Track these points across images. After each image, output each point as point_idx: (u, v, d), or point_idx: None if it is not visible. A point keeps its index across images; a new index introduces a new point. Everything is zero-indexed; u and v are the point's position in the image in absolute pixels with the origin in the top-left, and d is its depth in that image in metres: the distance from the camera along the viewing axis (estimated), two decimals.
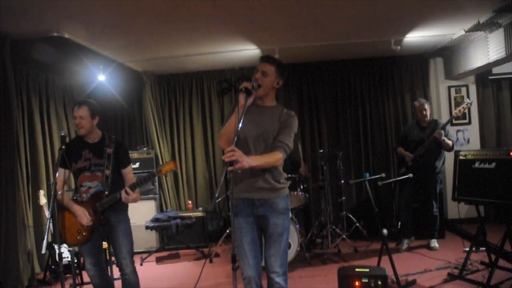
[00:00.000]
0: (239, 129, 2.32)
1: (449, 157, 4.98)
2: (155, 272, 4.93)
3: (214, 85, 6.40)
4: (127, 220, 3.22)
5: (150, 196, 5.86)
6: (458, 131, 6.16)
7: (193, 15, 3.94)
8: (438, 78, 6.26)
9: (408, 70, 6.24)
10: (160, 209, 6.06)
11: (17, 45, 4.13)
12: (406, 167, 4.93)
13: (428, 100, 5.59)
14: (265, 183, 2.54)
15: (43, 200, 4.18)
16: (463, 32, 4.87)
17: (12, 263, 4.10)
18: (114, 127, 6.51)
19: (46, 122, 5.14)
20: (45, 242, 2.98)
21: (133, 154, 5.82)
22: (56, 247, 4.12)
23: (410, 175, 4.42)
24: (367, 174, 4.96)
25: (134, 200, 3.05)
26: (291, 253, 4.34)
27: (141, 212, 5.58)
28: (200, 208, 5.94)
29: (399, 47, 5.22)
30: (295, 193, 4.84)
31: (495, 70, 5.95)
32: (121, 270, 3.15)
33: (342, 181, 5.39)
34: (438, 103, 6.23)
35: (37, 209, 4.67)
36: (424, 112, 4.93)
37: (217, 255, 5.36)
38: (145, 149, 6.02)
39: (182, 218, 5.47)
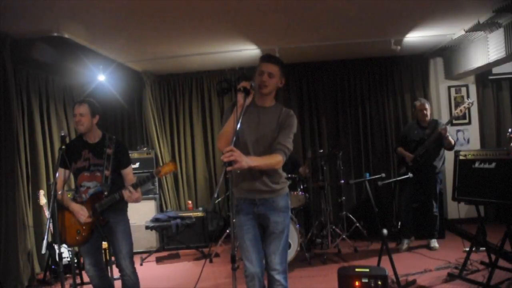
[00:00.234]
0: (237, 129, 2.32)
1: (449, 157, 4.98)
2: (155, 272, 4.93)
3: (214, 85, 6.40)
4: (126, 220, 3.22)
5: (150, 196, 5.86)
6: (458, 131, 6.16)
7: (193, 15, 3.94)
8: (438, 78, 6.26)
9: (408, 70, 6.24)
10: (160, 209, 6.06)
11: (17, 45, 4.13)
12: (406, 167, 4.93)
13: (428, 100, 5.59)
14: (263, 186, 2.55)
15: (43, 200, 4.19)
16: (463, 32, 4.87)
17: (12, 263, 4.10)
18: (114, 127, 6.51)
19: (46, 122, 5.14)
20: (45, 242, 2.97)
21: (133, 154, 5.82)
22: (56, 247, 4.12)
23: (410, 175, 4.42)
24: (367, 174, 4.95)
25: (137, 200, 3.04)
26: (291, 253, 4.34)
27: (141, 212, 5.58)
28: (200, 208, 5.94)
29: (399, 47, 5.22)
30: (295, 193, 4.84)
31: (495, 70, 5.95)
32: (121, 270, 3.15)
33: (342, 181, 5.39)
34: (438, 103, 6.23)
35: (37, 209, 4.67)
36: (424, 112, 4.93)
37: (217, 255, 5.36)
38: (145, 149, 6.03)
39: (182, 218, 5.47)
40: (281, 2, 3.75)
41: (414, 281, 3.84)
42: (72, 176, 3.21)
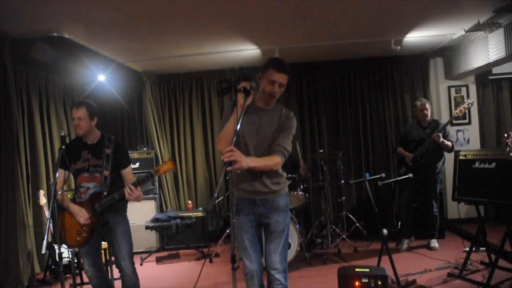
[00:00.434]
0: (237, 129, 2.33)
1: (449, 157, 4.97)
2: (155, 272, 4.93)
3: (214, 85, 6.40)
4: (126, 221, 3.22)
5: (150, 196, 5.86)
6: (458, 131, 6.16)
7: (193, 15, 3.94)
8: (438, 78, 6.26)
9: (408, 70, 6.24)
10: (160, 209, 6.06)
11: (17, 45, 4.13)
12: (406, 167, 4.93)
13: (428, 100, 5.59)
14: (263, 187, 2.56)
15: (43, 200, 4.19)
16: (463, 32, 4.87)
17: (12, 263, 4.10)
18: (114, 127, 6.51)
19: (46, 122, 5.14)
20: (45, 242, 2.97)
21: (133, 154, 5.82)
22: (56, 247, 4.12)
23: (410, 175, 4.42)
24: (367, 174, 4.96)
25: (138, 198, 3.04)
26: (291, 253, 4.34)
27: (141, 212, 5.58)
28: (200, 208, 5.94)
29: (399, 47, 5.22)
30: (295, 193, 4.84)
31: (495, 70, 5.95)
32: (120, 270, 3.15)
33: (342, 181, 5.39)
34: (438, 103, 6.23)
35: (37, 209, 4.67)
36: (425, 111, 4.94)
37: (217, 255, 5.36)
38: (145, 149, 6.03)
39: (182, 218, 5.47)
40: (281, 2, 3.75)
41: (414, 281, 3.84)
42: (71, 176, 3.21)
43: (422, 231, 5.16)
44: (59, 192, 3.00)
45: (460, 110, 4.61)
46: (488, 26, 4.56)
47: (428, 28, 4.83)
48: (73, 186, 3.54)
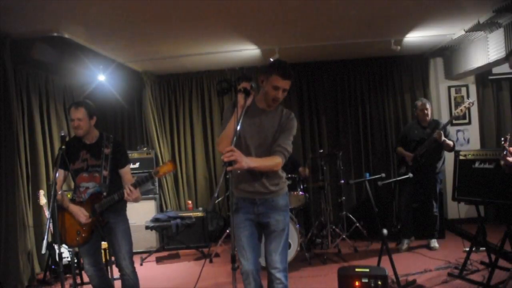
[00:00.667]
0: (238, 129, 2.33)
1: (449, 157, 4.98)
2: (155, 272, 4.93)
3: (214, 85, 6.40)
4: (125, 221, 3.21)
5: (150, 196, 5.86)
6: (458, 131, 6.16)
7: (193, 15, 3.94)
8: (438, 78, 6.26)
9: (408, 70, 6.24)
10: (160, 209, 6.06)
11: (17, 45, 4.13)
12: (406, 167, 4.93)
13: (428, 100, 5.59)
14: (263, 188, 2.57)
15: (43, 200, 4.18)
16: (463, 32, 4.87)
17: (12, 263, 4.10)
18: (114, 127, 6.51)
19: (46, 122, 5.14)
20: (45, 242, 2.97)
21: (133, 154, 5.82)
22: (56, 247, 4.12)
23: (410, 175, 4.42)
24: (367, 174, 4.95)
25: (136, 199, 3.03)
26: (291, 253, 4.34)
27: (141, 212, 5.58)
28: (200, 208, 5.94)
29: (399, 47, 5.22)
30: (295, 193, 4.84)
31: (495, 70, 5.95)
32: (120, 270, 3.15)
33: (342, 181, 5.39)
34: (438, 103, 6.23)
35: (37, 209, 4.66)
36: (425, 111, 4.94)
37: (217, 255, 5.36)
38: (145, 149, 6.03)
39: (182, 218, 5.47)
40: (281, 2, 3.75)
41: (414, 281, 3.84)
42: (70, 176, 3.21)
43: (422, 231, 5.16)
44: (59, 192, 3.00)
45: (461, 110, 4.61)
46: (488, 26, 4.56)
47: (428, 28, 4.83)
48: (72, 186, 3.54)
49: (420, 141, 4.90)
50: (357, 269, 3.22)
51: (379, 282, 3.12)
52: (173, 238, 5.56)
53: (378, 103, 6.26)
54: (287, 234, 2.65)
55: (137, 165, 5.75)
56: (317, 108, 6.32)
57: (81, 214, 3.05)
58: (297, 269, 4.52)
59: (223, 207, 6.27)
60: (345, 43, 5.22)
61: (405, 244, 5.03)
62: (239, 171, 2.44)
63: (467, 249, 3.97)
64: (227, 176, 2.36)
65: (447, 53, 5.96)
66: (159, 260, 5.38)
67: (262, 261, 2.67)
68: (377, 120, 6.26)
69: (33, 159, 4.86)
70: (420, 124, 5.03)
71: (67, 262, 4.33)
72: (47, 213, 4.09)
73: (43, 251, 3.02)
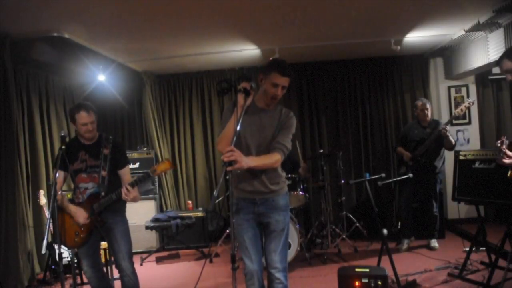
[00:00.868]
0: (238, 129, 2.33)
1: (449, 157, 4.98)
2: (155, 272, 4.93)
3: (214, 85, 6.40)
4: (125, 221, 3.21)
5: (150, 196, 5.86)
6: (458, 131, 6.16)
7: (193, 15, 3.94)
8: (438, 78, 6.26)
9: (408, 70, 6.24)
10: (160, 209, 6.06)
11: (17, 45, 4.13)
12: (406, 167, 4.93)
13: (429, 100, 5.59)
14: (263, 187, 2.57)
15: (43, 200, 4.18)
16: (463, 32, 4.87)
17: (12, 263, 4.10)
18: (114, 127, 6.51)
19: (46, 122, 5.14)
20: (45, 242, 2.97)
21: (133, 154, 5.83)
22: (56, 247, 4.12)
23: (410, 175, 4.42)
24: (367, 174, 4.95)
25: (134, 199, 3.03)
26: (291, 253, 4.34)
27: (141, 212, 5.58)
28: (200, 208, 5.94)
29: (399, 47, 5.22)
30: (295, 193, 4.84)
31: (495, 70, 5.93)
32: (120, 271, 3.15)
33: (342, 181, 5.38)
34: (438, 103, 6.23)
35: (37, 209, 4.66)
36: (425, 111, 4.94)
37: (217, 255, 5.36)
38: (145, 149, 6.03)
39: (182, 218, 5.47)
40: (281, 2, 3.75)
41: (414, 281, 3.84)
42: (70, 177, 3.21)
43: (422, 231, 5.16)
44: (59, 193, 3.00)
45: (461, 109, 4.60)
46: (488, 26, 4.56)
47: (428, 28, 4.83)
48: (72, 186, 3.54)
49: (420, 141, 4.90)
50: (357, 269, 3.22)
51: (379, 282, 3.12)
52: (173, 238, 5.56)
53: (378, 103, 6.26)
54: (287, 234, 2.66)
55: (137, 165, 5.75)
56: (317, 108, 6.32)
57: (79, 214, 3.04)
58: (297, 269, 4.52)
59: (223, 207, 6.27)
60: (345, 43, 5.22)
61: (405, 244, 5.03)
62: (239, 171, 2.44)
63: (467, 249, 3.97)
64: (227, 176, 2.36)
65: (447, 53, 5.96)
66: (159, 260, 5.38)
67: (263, 261, 2.68)
68: (377, 120, 6.26)
69: (33, 159, 4.86)
70: (420, 124, 5.03)
71: (67, 262, 4.33)
72: (47, 213, 4.09)
73: (43, 251, 3.02)
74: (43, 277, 4.57)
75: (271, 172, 2.58)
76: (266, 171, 2.56)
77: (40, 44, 4.24)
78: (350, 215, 5.51)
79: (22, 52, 4.30)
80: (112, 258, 3.30)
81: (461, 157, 3.95)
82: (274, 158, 2.49)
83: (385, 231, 3.64)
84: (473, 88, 6.20)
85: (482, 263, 4.01)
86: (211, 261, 5.11)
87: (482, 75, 6.13)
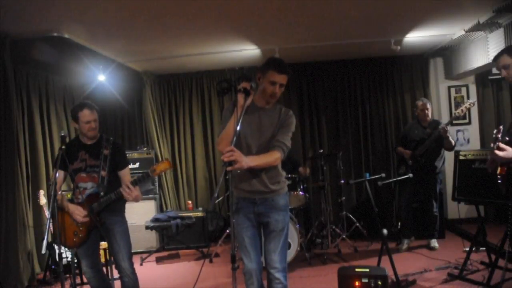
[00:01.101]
0: (238, 129, 2.34)
1: (449, 157, 4.98)
2: (155, 272, 4.93)
3: (214, 85, 6.40)
4: (124, 221, 3.21)
5: (150, 196, 5.86)
6: (458, 131, 6.16)
7: (193, 15, 3.94)
8: (438, 78, 6.26)
9: (408, 70, 6.24)
10: (160, 209, 6.06)
11: (17, 45, 4.13)
12: (406, 167, 4.93)
13: (429, 100, 5.59)
14: (263, 187, 2.57)
15: (43, 200, 4.18)
16: (463, 32, 4.87)
17: (12, 263, 4.09)
18: (114, 127, 6.51)
19: (46, 122, 5.14)
20: (45, 242, 2.97)
21: (133, 154, 5.83)
22: (56, 247, 4.12)
23: (410, 175, 4.42)
24: (367, 174, 4.95)
25: (136, 198, 3.03)
26: (291, 253, 4.34)
27: (141, 212, 5.58)
28: (200, 208, 5.94)
29: (399, 47, 5.22)
30: (295, 193, 4.84)
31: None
32: (120, 271, 3.15)
33: (342, 181, 5.38)
34: (438, 103, 6.23)
35: (37, 209, 4.66)
36: (426, 111, 4.94)
37: (217, 255, 5.36)
38: (145, 149, 6.03)
39: (182, 218, 5.47)
40: (281, 2, 3.75)
41: (414, 281, 3.84)
42: (69, 176, 3.21)
43: (422, 231, 5.16)
44: (59, 193, 3.00)
45: (462, 110, 4.60)
46: (488, 26, 4.56)
47: (428, 28, 4.83)
48: (72, 186, 3.54)
49: (420, 141, 4.90)
50: (357, 269, 3.22)
51: (379, 282, 3.12)
52: (173, 238, 5.56)
53: (378, 103, 6.26)
54: (287, 234, 2.66)
55: (137, 165, 5.76)
56: (317, 108, 6.32)
57: (78, 212, 3.04)
58: (297, 269, 4.52)
59: (223, 207, 6.27)
60: (345, 43, 5.22)
61: (405, 244, 5.03)
62: (239, 171, 2.45)
63: (467, 249, 3.97)
64: (227, 176, 2.36)
65: (447, 53, 5.96)
66: (159, 260, 5.38)
67: (262, 261, 2.68)
68: (377, 120, 6.26)
69: (33, 159, 4.86)
70: (421, 124, 5.03)
71: (67, 262, 4.33)
72: (47, 213, 4.09)
73: (43, 251, 3.02)
74: (43, 277, 4.58)
75: (271, 172, 2.59)
76: (266, 171, 2.56)
77: (40, 44, 4.24)
78: (350, 215, 5.51)
79: (22, 52, 4.31)
80: (112, 258, 3.30)
81: (461, 157, 3.95)
82: (274, 156, 2.50)
83: (385, 231, 3.64)
84: (473, 88, 6.20)
85: (482, 263, 4.01)
86: (211, 261, 5.11)
87: (482, 75, 6.13)
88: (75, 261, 3.60)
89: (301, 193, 4.89)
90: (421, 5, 4.02)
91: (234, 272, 2.26)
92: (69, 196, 3.34)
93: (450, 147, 4.73)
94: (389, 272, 3.29)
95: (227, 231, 5.37)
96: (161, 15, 3.89)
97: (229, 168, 2.26)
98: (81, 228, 3.08)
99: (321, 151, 5.54)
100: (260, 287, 2.61)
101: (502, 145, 2.55)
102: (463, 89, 6.19)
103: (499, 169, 2.68)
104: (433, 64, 6.29)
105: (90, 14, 3.72)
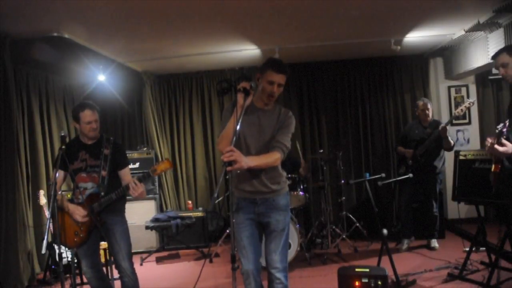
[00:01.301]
0: (238, 129, 2.34)
1: (449, 157, 4.97)
2: (155, 272, 4.93)
3: (214, 85, 6.40)
4: (124, 221, 3.22)
5: (150, 196, 5.85)
6: (458, 131, 6.16)
7: (193, 15, 3.94)
8: (438, 78, 6.26)
9: (408, 70, 6.24)
10: (160, 209, 6.06)
11: (17, 45, 4.13)
12: (406, 167, 4.93)
13: (429, 100, 5.60)
14: (263, 187, 2.57)
15: (43, 200, 4.18)
16: (463, 32, 4.87)
17: (12, 263, 4.09)
18: (114, 127, 6.51)
19: (46, 122, 5.14)
20: (45, 242, 2.97)
21: (133, 154, 5.83)
22: (56, 247, 4.12)
23: (410, 175, 4.42)
24: (367, 174, 4.96)
25: (141, 194, 3.03)
26: (291, 253, 4.34)
27: (141, 212, 5.58)
28: (200, 208, 5.94)
29: (399, 47, 5.22)
30: (295, 193, 4.84)
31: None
32: (120, 271, 3.15)
33: (342, 181, 5.38)
34: (438, 103, 6.23)
35: (37, 209, 4.66)
36: (426, 111, 4.94)
37: (217, 255, 5.36)
38: (145, 149, 6.03)
39: (182, 218, 5.47)
40: (281, 2, 3.75)
41: (414, 281, 3.84)
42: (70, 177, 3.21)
43: (422, 231, 5.15)
44: (59, 193, 3.00)
45: (461, 110, 4.60)
46: (488, 26, 4.56)
47: (428, 28, 4.83)
48: (72, 186, 3.54)
49: (420, 140, 4.90)
50: (357, 269, 3.22)
51: (379, 282, 3.12)
52: (173, 238, 5.56)
53: (378, 103, 6.26)
54: (287, 234, 2.66)
55: (137, 165, 5.76)
56: (317, 108, 6.32)
57: (78, 212, 3.04)
58: (297, 269, 4.52)
59: (223, 207, 6.27)
60: (345, 43, 5.22)
61: (405, 244, 5.03)
62: (239, 171, 2.45)
63: (467, 249, 3.97)
64: (227, 176, 2.37)
65: (447, 53, 5.96)
66: (159, 260, 5.38)
67: (263, 261, 2.68)
68: (377, 120, 6.26)
69: (33, 159, 4.86)
70: (421, 124, 5.03)
71: (67, 262, 4.33)
72: (47, 213, 4.09)
73: (43, 251, 3.02)
74: (43, 277, 4.58)
75: (272, 172, 2.58)
76: (267, 171, 2.56)
77: (40, 44, 4.24)
78: (350, 215, 5.50)
79: (22, 52, 4.30)
80: (112, 258, 3.30)
81: (461, 157, 3.95)
82: (274, 157, 2.50)
83: (385, 231, 3.63)
84: (473, 88, 6.20)
85: (482, 263, 4.00)
86: (211, 261, 5.11)
87: (482, 75, 6.13)
88: (75, 261, 3.60)
89: (301, 193, 4.89)
90: (421, 5, 4.02)
91: (234, 272, 2.26)
92: (69, 196, 3.34)
93: (449, 148, 4.74)
94: (389, 272, 3.29)
95: (227, 231, 5.37)
96: (161, 15, 3.89)
97: (229, 168, 2.26)
98: (82, 228, 3.08)
99: (321, 151, 5.55)
100: (259, 287, 2.61)
101: (504, 141, 2.54)
102: (463, 89, 6.19)
103: (493, 166, 2.68)
104: (433, 64, 6.29)
105: (90, 14, 3.72)
